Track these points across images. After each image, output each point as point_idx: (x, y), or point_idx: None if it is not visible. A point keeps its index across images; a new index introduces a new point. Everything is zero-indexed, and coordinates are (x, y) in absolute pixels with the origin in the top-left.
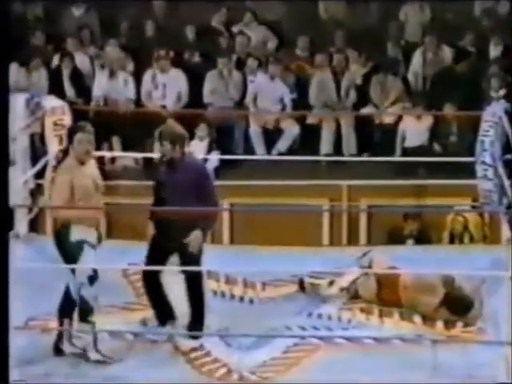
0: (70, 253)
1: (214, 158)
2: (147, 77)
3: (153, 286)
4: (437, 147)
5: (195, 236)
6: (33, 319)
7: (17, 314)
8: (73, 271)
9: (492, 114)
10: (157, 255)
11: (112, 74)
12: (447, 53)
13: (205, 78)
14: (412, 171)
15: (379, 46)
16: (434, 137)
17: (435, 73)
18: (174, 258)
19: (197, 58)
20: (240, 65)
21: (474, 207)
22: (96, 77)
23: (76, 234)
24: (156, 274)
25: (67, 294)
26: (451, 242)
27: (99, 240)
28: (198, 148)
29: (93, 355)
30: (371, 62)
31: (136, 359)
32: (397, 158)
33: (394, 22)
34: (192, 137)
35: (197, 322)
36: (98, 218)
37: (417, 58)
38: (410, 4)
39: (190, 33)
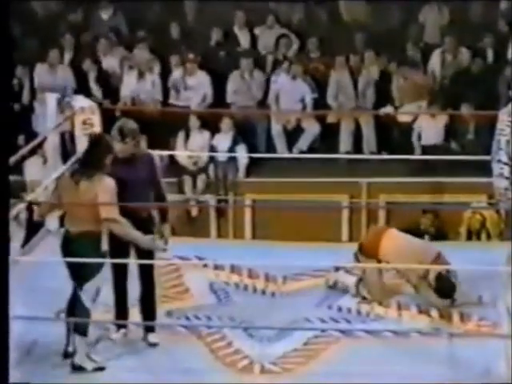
0: (92, 264)
1: (242, 155)
2: (173, 78)
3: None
4: (454, 145)
5: (167, 229)
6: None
7: (46, 306)
8: (82, 281)
9: (508, 113)
10: (119, 251)
11: (140, 76)
12: (466, 54)
13: (228, 78)
14: (430, 169)
15: (399, 47)
16: (451, 135)
17: (453, 73)
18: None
19: (221, 59)
20: (277, 65)
21: (490, 204)
22: (124, 78)
23: (105, 243)
24: (124, 270)
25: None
26: (469, 238)
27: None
28: (222, 141)
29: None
30: (391, 63)
31: (160, 350)
32: (415, 157)
33: (413, 23)
34: (217, 131)
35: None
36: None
37: (435, 59)
38: (429, 6)
39: (215, 34)
